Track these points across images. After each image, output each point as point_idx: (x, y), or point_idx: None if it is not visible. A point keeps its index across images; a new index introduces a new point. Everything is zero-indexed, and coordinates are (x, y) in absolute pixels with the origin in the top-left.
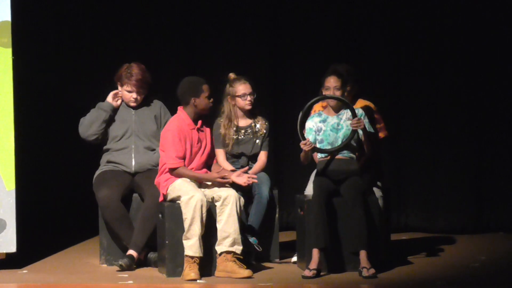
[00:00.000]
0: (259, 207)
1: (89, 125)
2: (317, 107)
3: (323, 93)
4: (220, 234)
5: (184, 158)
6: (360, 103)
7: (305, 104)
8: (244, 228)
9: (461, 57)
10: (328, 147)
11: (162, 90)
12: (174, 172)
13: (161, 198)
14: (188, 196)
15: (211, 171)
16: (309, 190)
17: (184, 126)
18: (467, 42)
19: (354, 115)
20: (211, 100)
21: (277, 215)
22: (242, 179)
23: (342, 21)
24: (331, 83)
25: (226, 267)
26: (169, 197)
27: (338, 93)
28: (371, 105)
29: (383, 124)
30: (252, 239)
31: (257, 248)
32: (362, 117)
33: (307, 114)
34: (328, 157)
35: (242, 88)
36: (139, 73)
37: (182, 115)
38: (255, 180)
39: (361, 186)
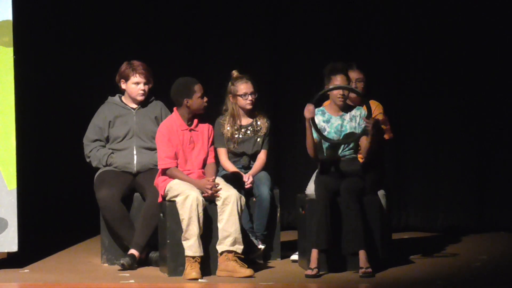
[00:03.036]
0: (261, 211)
1: (92, 162)
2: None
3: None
4: (221, 234)
5: (175, 158)
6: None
7: (306, 103)
8: (250, 232)
9: (461, 57)
10: (331, 149)
11: (162, 90)
12: (166, 173)
13: (159, 199)
14: (183, 196)
15: (205, 172)
16: (310, 189)
17: (174, 127)
18: (469, 43)
19: (370, 111)
20: (205, 99)
21: (278, 215)
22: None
23: (343, 21)
24: (341, 82)
25: (227, 266)
26: (167, 197)
27: (345, 93)
28: (379, 106)
29: (389, 126)
30: (257, 242)
31: (260, 251)
32: (365, 117)
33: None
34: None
35: (243, 87)
36: (143, 64)
37: (174, 117)
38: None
39: (356, 186)
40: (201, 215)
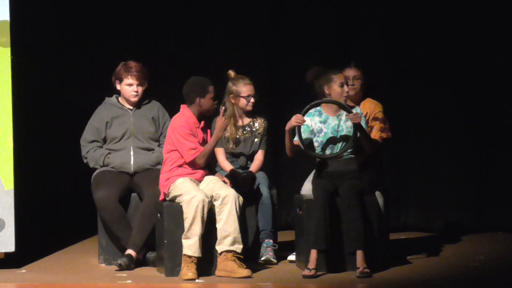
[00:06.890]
0: (263, 209)
1: (89, 163)
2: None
3: (334, 89)
4: (220, 234)
5: (197, 146)
6: (368, 102)
7: (306, 104)
8: (258, 233)
9: (460, 57)
10: (328, 151)
11: (160, 90)
12: (196, 160)
13: (161, 197)
14: (190, 195)
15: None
16: (305, 189)
17: (190, 123)
18: (469, 42)
19: (347, 110)
20: (215, 102)
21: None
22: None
23: (341, 22)
24: (345, 79)
25: (226, 266)
26: (171, 195)
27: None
28: (379, 105)
29: (388, 125)
30: (267, 243)
31: (274, 247)
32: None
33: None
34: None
35: (247, 89)
36: (138, 65)
37: (187, 113)
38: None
39: (358, 186)
40: (205, 215)
